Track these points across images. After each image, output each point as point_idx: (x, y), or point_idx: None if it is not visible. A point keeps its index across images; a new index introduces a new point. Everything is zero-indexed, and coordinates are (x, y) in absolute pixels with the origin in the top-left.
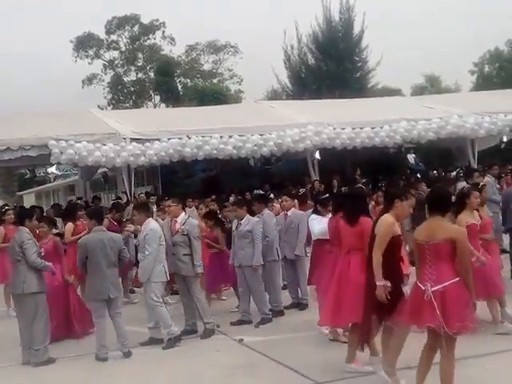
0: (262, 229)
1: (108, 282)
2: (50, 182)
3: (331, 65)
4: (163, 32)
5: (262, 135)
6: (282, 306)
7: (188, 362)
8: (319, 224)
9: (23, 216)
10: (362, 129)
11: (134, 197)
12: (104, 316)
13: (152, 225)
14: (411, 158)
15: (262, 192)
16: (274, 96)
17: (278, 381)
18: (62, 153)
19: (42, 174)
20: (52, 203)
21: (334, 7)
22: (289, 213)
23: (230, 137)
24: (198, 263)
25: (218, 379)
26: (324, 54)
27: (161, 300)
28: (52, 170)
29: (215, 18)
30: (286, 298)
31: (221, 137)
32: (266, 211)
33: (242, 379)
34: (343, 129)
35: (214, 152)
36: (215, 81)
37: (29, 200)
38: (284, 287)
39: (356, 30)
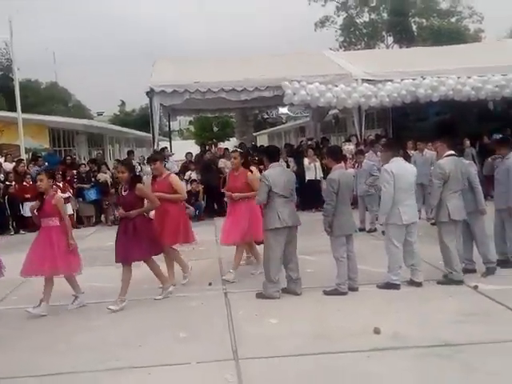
0: (476, 171)
1: (352, 217)
2: (283, 123)
3: None
4: None
5: (504, 75)
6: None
7: (419, 305)
8: None
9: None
10: None
11: (364, 139)
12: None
13: (388, 165)
14: None
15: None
16: None
17: None
18: (294, 94)
19: (274, 115)
20: (284, 143)
21: None
22: None
23: (469, 77)
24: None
25: (448, 324)
26: None
27: (394, 242)
28: (284, 111)
29: None
30: None
31: (458, 77)
32: None
33: (473, 326)
34: None
35: (450, 93)
36: (453, 20)
37: (262, 140)
38: None
39: None
